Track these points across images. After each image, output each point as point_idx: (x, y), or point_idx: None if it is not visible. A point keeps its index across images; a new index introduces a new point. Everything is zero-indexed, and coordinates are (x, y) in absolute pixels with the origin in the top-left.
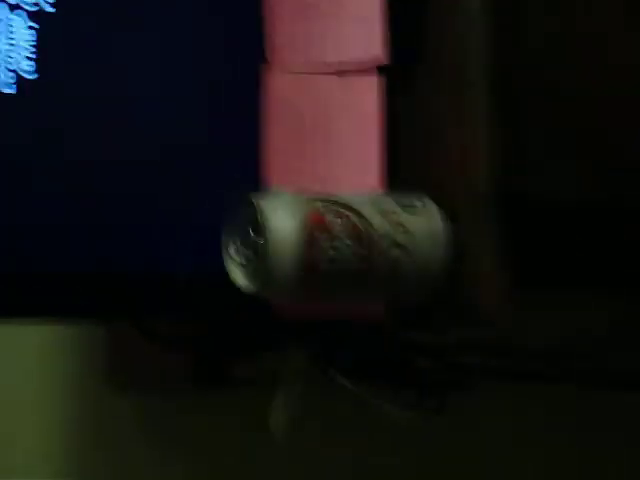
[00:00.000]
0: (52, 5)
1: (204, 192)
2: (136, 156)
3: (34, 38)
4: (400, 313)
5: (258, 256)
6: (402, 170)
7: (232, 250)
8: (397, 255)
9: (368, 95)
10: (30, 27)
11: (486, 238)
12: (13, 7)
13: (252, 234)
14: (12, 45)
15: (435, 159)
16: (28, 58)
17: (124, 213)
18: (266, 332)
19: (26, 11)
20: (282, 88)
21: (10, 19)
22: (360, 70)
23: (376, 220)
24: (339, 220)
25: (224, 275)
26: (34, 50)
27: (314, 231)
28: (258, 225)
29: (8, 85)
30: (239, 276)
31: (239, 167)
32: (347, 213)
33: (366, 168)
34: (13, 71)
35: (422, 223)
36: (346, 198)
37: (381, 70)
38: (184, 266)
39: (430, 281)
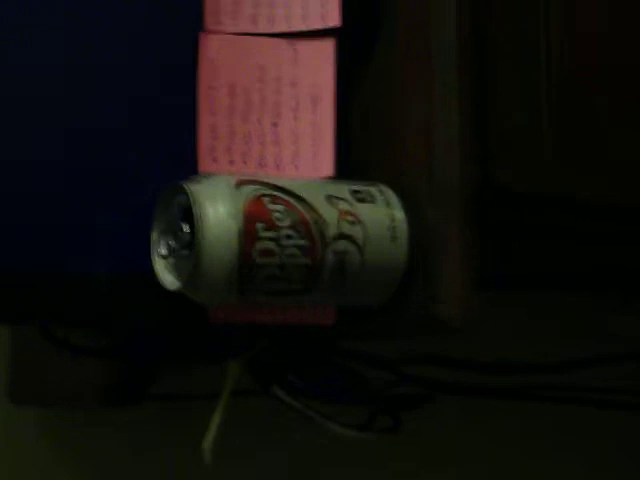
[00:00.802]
0: None
1: (126, 182)
2: (48, 152)
3: None
4: (352, 318)
5: (190, 250)
6: (357, 153)
7: (160, 245)
8: (346, 249)
9: (321, 63)
10: None
11: (451, 234)
12: None
13: (183, 226)
14: None
15: (396, 141)
16: None
17: (32, 207)
18: (197, 339)
19: None
20: (220, 54)
21: None
22: (312, 34)
23: (323, 209)
24: (281, 208)
25: (149, 274)
26: None
27: (253, 220)
28: (190, 215)
29: None
30: (167, 275)
31: (169, 151)
32: (290, 200)
33: (316, 150)
34: None
35: (377, 214)
36: (289, 183)
37: (335, 34)
38: (102, 265)
39: (385, 281)
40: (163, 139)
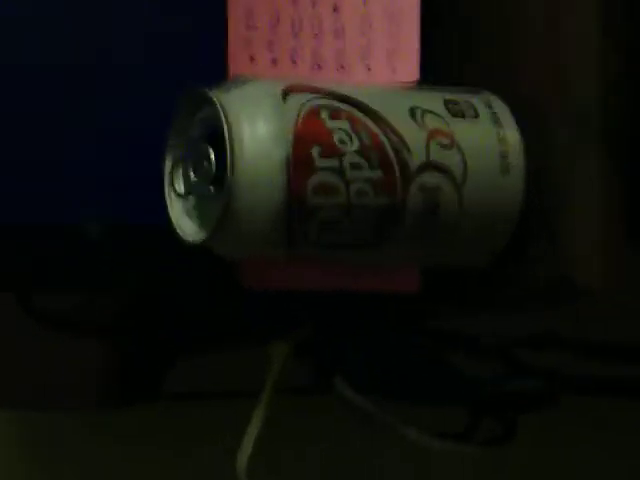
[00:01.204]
0: None
1: (127, 92)
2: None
3: None
4: (445, 284)
5: (218, 187)
6: (455, 55)
7: (177, 180)
8: (438, 185)
9: None
10: None
11: (591, 165)
12: None
13: (209, 151)
14: None
15: (509, 33)
16: None
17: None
18: (229, 312)
19: None
20: None
21: None
22: None
23: (406, 127)
24: (346, 125)
25: (160, 223)
26: None
27: (306, 144)
28: (218, 137)
29: None
30: (187, 221)
31: (184, 51)
32: (358, 114)
33: (396, 45)
34: None
35: (482, 135)
36: (357, 91)
37: None
38: (96, 213)
39: (492, 231)
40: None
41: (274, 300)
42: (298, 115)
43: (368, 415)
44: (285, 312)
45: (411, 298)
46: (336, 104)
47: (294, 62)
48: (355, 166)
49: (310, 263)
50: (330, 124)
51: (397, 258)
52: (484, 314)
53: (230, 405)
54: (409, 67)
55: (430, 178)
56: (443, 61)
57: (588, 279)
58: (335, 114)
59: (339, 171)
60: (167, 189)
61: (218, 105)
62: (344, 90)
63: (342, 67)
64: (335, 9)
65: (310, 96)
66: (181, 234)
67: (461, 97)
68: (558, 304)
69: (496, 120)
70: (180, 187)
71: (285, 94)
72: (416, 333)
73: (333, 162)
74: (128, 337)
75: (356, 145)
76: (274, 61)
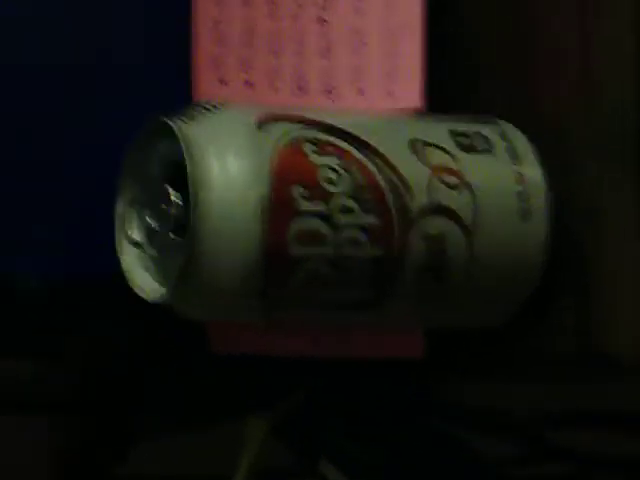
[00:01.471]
0: None
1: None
2: None
3: None
4: (452, 348)
5: (179, 234)
6: (465, 78)
7: (130, 226)
8: (444, 232)
9: None
10: None
11: (628, 208)
12: None
13: (169, 192)
14: None
15: (529, 59)
16: None
17: None
18: (197, 382)
19: None
20: None
21: None
22: None
23: (405, 162)
24: (335, 161)
25: (110, 276)
26: None
27: (287, 183)
28: (182, 175)
29: None
30: (143, 274)
31: (139, 74)
32: (349, 148)
33: (394, 65)
34: None
35: (497, 172)
36: (348, 120)
37: None
38: (31, 267)
39: (508, 288)
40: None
41: (250, 367)
42: (276, 148)
43: None
44: (263, 383)
45: (414, 365)
46: (322, 135)
47: (272, 85)
48: (345, 210)
49: (292, 327)
50: (315, 159)
51: (396, 319)
52: (499, 385)
53: None
54: (409, 92)
55: (434, 224)
56: (450, 85)
57: (620, 350)
58: (321, 148)
59: (326, 216)
60: (119, 236)
61: (180, 137)
62: (332, 119)
63: (329, 91)
64: (321, 22)
65: (291, 126)
66: (136, 290)
67: (471, 128)
68: (584, 376)
69: (513, 154)
70: (135, 234)
71: (261, 123)
72: (421, 409)
73: (319, 205)
74: (82, 414)
75: (346, 185)
76: (248, 84)
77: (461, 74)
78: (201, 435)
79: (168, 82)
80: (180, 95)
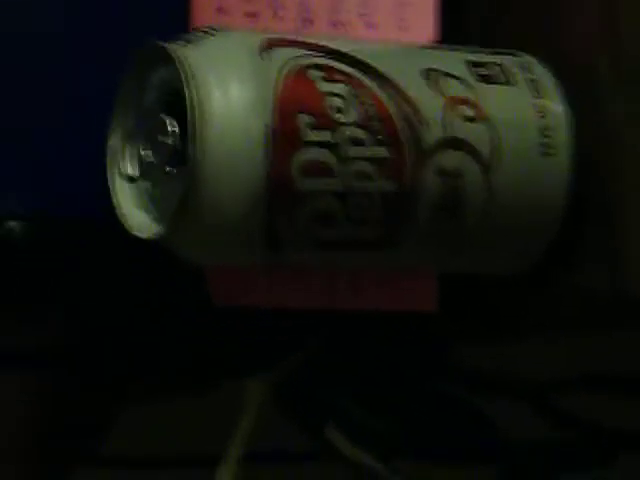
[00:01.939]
0: None
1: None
2: None
3: None
4: (468, 299)
5: (178, 166)
6: (484, 9)
7: (124, 161)
8: (460, 167)
9: None
10: None
11: None
12: None
13: (168, 122)
14: None
15: None
16: None
17: None
18: (192, 338)
19: None
20: None
21: None
22: None
23: (419, 92)
24: (343, 88)
25: (102, 216)
26: None
27: (292, 111)
28: (178, 103)
29: None
30: (138, 212)
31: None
32: (358, 75)
33: None
34: None
35: (517, 105)
36: (360, 47)
37: None
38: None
39: (529, 229)
40: None
41: (250, 322)
42: (282, 75)
43: (370, 471)
44: (264, 340)
45: (427, 319)
46: (330, 62)
47: (275, 16)
48: (354, 141)
49: (297, 271)
50: (323, 87)
51: (409, 262)
52: (518, 341)
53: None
54: (423, 23)
55: (450, 158)
56: (468, 16)
57: None
58: (329, 74)
59: (333, 147)
60: (112, 171)
61: (178, 62)
62: (341, 45)
63: (337, 23)
64: None
65: (297, 51)
66: (131, 228)
67: (490, 59)
68: (613, 326)
69: (535, 88)
70: (129, 168)
71: (264, 49)
72: (433, 372)
73: (326, 135)
74: (64, 370)
75: (356, 114)
76: (250, 15)
77: (479, 6)
78: (197, 398)
79: (164, 11)
80: (177, 26)
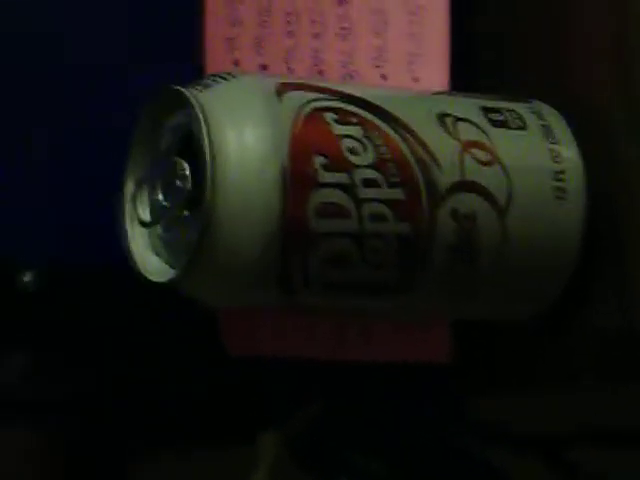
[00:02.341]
0: None
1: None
2: None
3: None
4: (481, 349)
5: (193, 210)
6: (495, 59)
7: (140, 206)
8: (475, 210)
9: None
10: None
11: None
12: None
13: (183, 166)
14: None
15: (561, 38)
16: None
17: None
18: (204, 389)
19: None
20: None
21: None
22: None
23: (433, 136)
24: (359, 132)
25: (115, 262)
26: None
27: (308, 154)
28: (193, 147)
29: None
30: (152, 256)
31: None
32: (372, 118)
33: (419, 46)
34: None
35: (530, 150)
36: (374, 93)
37: None
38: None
39: (544, 274)
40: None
41: (265, 374)
42: (297, 118)
43: None
44: (278, 391)
45: (440, 370)
46: (344, 105)
47: (289, 68)
48: (369, 183)
49: (310, 319)
50: (337, 129)
51: (422, 306)
52: (531, 392)
53: None
54: (436, 75)
55: (465, 202)
56: (480, 67)
57: None
58: (343, 117)
59: (349, 189)
60: (128, 217)
61: (193, 105)
62: (354, 90)
63: (350, 75)
64: (341, 2)
65: (312, 95)
66: (145, 273)
67: (503, 105)
68: (628, 371)
69: (548, 133)
70: (145, 214)
71: (280, 92)
72: (447, 422)
73: (341, 176)
74: (77, 417)
75: (371, 156)
76: (263, 67)
77: (493, 53)
78: (210, 451)
79: (179, 64)
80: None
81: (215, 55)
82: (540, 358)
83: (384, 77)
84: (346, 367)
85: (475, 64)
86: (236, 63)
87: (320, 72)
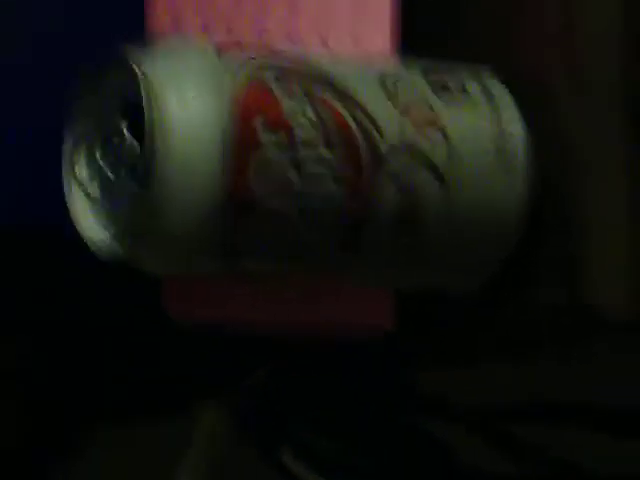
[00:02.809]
0: None
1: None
2: None
3: None
4: (424, 318)
5: (135, 174)
6: (441, 22)
7: (79, 167)
8: (418, 178)
9: None
10: None
11: (613, 159)
12: None
13: (126, 132)
14: None
15: (506, 7)
16: None
17: None
18: (144, 352)
19: None
20: None
21: None
22: None
23: (376, 100)
24: (299, 92)
25: (57, 225)
26: None
27: (249, 114)
28: (136, 109)
29: None
30: (93, 220)
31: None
32: (317, 84)
33: (363, 11)
34: None
35: (475, 121)
36: (322, 63)
37: None
38: None
39: (487, 242)
40: None
41: (204, 341)
42: (237, 77)
43: None
44: (221, 362)
45: (381, 333)
46: (295, 78)
47: (229, 30)
48: (309, 143)
49: (252, 282)
50: (279, 92)
51: (363, 273)
52: (472, 364)
53: None
54: (379, 39)
55: (405, 166)
56: (426, 35)
57: (613, 310)
58: (284, 77)
59: (288, 149)
60: (66, 178)
61: (134, 67)
62: (294, 51)
63: (292, 37)
64: None
65: (252, 55)
66: (85, 237)
67: (447, 73)
68: (572, 344)
69: (493, 103)
70: (84, 173)
71: (220, 51)
72: (391, 400)
73: (281, 137)
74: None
75: (310, 117)
76: (204, 28)
77: (439, 17)
78: (148, 423)
79: (120, 25)
80: (133, 33)
81: (156, 15)
82: (483, 330)
83: (326, 42)
84: (292, 338)
85: (422, 31)
86: (176, 23)
87: (260, 32)
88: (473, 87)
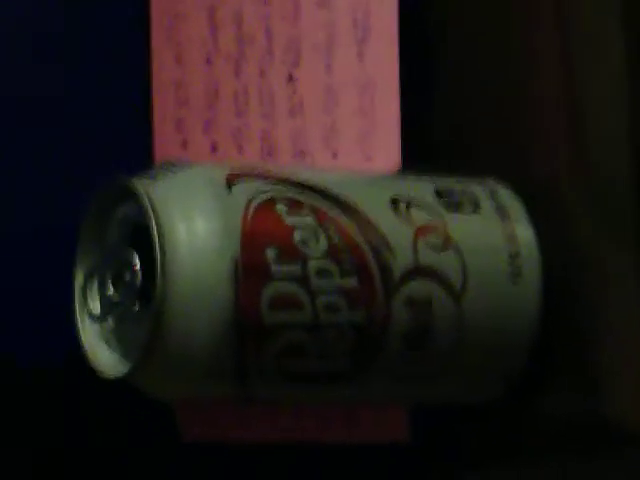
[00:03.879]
0: None
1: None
2: None
3: None
4: (440, 429)
5: (144, 303)
6: (449, 136)
7: (90, 299)
8: (430, 296)
9: None
10: None
11: (627, 271)
12: None
13: (133, 258)
14: None
15: (515, 116)
16: None
17: None
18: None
19: None
20: None
21: None
22: None
23: (387, 222)
24: (309, 221)
25: (64, 356)
26: None
27: (259, 245)
28: (143, 239)
29: None
30: (104, 350)
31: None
32: (324, 207)
33: (369, 123)
34: None
35: (485, 232)
36: (324, 177)
37: None
38: None
39: (502, 357)
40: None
41: (221, 459)
42: (247, 209)
43: None
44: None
45: (399, 451)
46: (295, 194)
47: (239, 149)
48: (322, 273)
49: (266, 405)
50: (289, 220)
51: (379, 394)
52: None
53: None
54: (388, 153)
55: (420, 288)
56: (433, 144)
57: (624, 414)
58: (295, 207)
59: (302, 280)
60: (78, 310)
61: (141, 197)
62: (305, 176)
63: (301, 153)
64: (290, 79)
65: (263, 185)
66: (96, 367)
67: (457, 186)
68: (586, 457)
69: (503, 214)
70: (95, 306)
71: (230, 182)
72: None
73: (294, 268)
74: None
75: (323, 246)
76: (213, 147)
77: (447, 130)
78: None
79: (127, 146)
80: (140, 159)
81: (164, 136)
82: (499, 438)
83: (335, 154)
84: (305, 451)
85: (428, 141)
86: (185, 144)
87: (270, 151)
88: (484, 200)
